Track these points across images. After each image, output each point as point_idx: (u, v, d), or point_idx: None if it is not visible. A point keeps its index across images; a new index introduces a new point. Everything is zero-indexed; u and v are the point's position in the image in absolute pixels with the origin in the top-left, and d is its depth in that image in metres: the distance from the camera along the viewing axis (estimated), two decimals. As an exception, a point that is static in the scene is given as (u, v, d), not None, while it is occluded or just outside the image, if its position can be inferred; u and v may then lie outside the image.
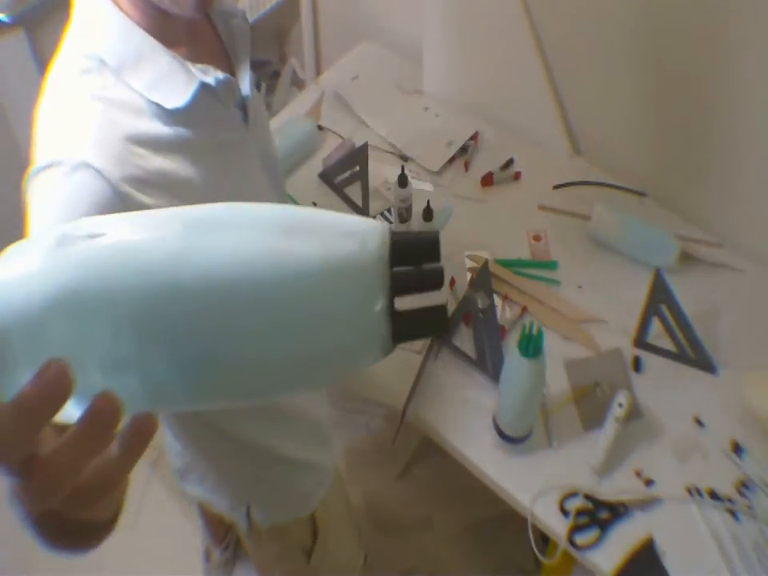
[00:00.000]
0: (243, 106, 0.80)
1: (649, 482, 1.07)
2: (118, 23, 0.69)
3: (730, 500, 1.05)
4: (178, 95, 0.70)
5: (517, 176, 1.48)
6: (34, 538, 0.43)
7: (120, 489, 0.37)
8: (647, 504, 1.05)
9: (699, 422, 1.14)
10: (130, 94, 0.69)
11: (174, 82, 0.70)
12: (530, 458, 1.11)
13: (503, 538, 1.63)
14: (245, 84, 0.79)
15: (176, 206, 0.30)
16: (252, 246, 0.24)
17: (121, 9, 0.69)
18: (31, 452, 0.27)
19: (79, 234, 0.25)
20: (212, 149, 0.75)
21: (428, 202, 1.29)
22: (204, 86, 0.72)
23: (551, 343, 1.14)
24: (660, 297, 1.20)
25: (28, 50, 1.62)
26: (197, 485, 1.07)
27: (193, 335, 0.24)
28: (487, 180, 1.47)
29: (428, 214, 1.28)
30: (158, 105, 0.70)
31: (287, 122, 1.57)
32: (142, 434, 0.28)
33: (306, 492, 1.09)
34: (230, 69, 0.81)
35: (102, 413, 0.27)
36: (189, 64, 0.71)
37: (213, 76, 0.72)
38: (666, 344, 1.21)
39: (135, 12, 0.69)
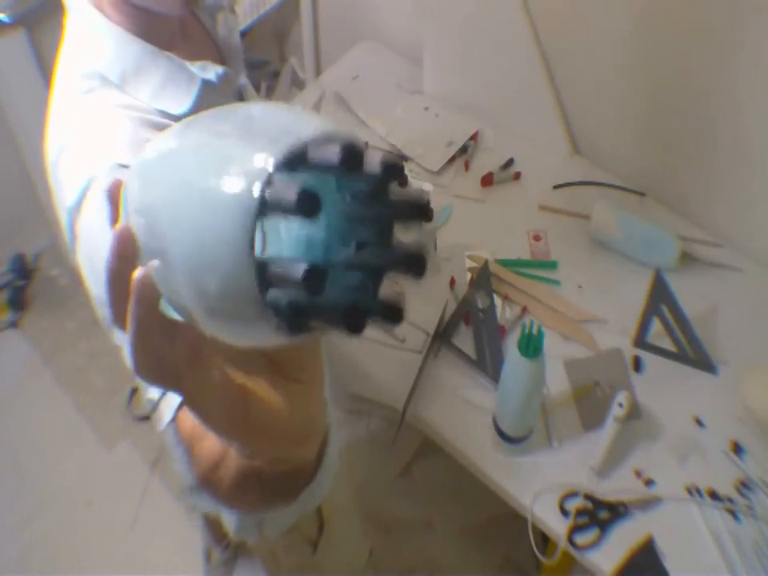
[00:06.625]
0: (240, 95, 0.81)
1: (649, 482, 1.07)
2: (112, 35, 0.68)
3: (730, 500, 1.05)
4: (182, 100, 0.70)
5: (517, 176, 1.48)
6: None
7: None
8: (647, 504, 1.05)
9: (699, 422, 1.14)
10: (137, 102, 0.69)
11: (176, 86, 0.70)
12: (529, 458, 1.11)
13: (503, 538, 1.63)
14: (240, 73, 0.80)
15: None
16: (181, 176, 0.36)
17: (112, 20, 0.68)
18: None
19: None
20: None
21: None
22: (205, 84, 0.72)
23: (551, 343, 1.13)
24: (660, 297, 1.20)
25: (28, 49, 1.62)
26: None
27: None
28: (487, 180, 1.47)
29: (428, 213, 1.28)
30: (164, 111, 0.70)
31: (287, 122, 1.57)
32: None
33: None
34: (222, 60, 0.81)
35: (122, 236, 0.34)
36: (187, 64, 0.71)
37: (213, 71, 0.72)
38: (666, 344, 1.21)
39: (126, 21, 0.69)
